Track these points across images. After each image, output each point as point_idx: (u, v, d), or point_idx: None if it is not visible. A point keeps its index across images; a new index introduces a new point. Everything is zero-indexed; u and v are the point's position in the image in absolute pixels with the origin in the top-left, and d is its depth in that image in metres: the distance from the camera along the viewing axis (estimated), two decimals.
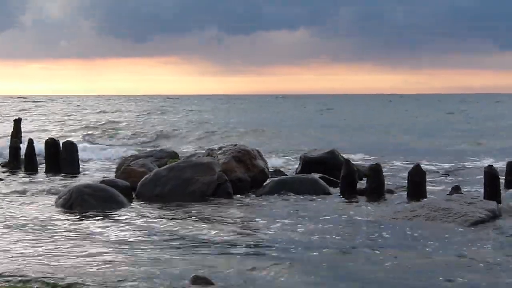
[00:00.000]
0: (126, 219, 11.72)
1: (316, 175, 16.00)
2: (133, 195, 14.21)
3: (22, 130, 23.07)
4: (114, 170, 18.62)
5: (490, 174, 13.23)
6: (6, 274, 7.91)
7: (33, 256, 8.84)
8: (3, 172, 18.88)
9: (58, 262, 8.53)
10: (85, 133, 36.74)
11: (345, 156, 18.07)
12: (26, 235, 10.32)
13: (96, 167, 21.09)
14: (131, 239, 9.99)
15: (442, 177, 18.21)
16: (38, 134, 34.02)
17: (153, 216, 12.02)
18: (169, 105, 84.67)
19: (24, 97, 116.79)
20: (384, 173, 14.79)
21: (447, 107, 76.15)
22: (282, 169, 18.99)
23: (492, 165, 13.78)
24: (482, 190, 13.43)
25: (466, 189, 14.89)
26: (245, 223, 11.43)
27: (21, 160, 19.87)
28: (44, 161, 19.35)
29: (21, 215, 12.08)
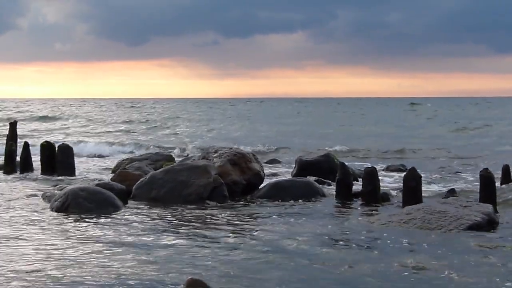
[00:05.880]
0: (121, 222, 11.71)
1: (311, 178, 16.02)
2: (129, 198, 14.20)
3: None
4: (110, 172, 18.63)
5: (486, 177, 13.23)
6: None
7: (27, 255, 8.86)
8: None
9: (52, 263, 8.54)
10: None
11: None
12: (22, 237, 10.32)
13: (92, 170, 21.08)
14: (125, 242, 9.97)
15: None
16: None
17: (148, 219, 12.01)
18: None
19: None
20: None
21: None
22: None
23: (487, 168, 13.75)
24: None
25: None
26: (240, 226, 11.42)
27: (16, 163, 19.83)
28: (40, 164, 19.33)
29: (15, 218, 12.06)
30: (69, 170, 18.88)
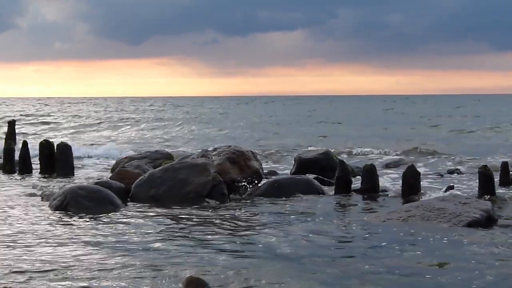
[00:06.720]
0: (120, 220, 11.70)
1: (310, 176, 16.01)
2: (128, 197, 14.19)
3: None
4: (109, 171, 18.62)
5: (485, 174, 13.25)
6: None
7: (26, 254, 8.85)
8: None
9: (51, 262, 8.53)
10: None
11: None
12: (20, 236, 10.31)
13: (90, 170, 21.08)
14: (124, 241, 9.97)
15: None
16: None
17: (148, 218, 12.00)
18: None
19: None
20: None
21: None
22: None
23: (486, 165, 13.78)
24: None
25: None
26: (239, 224, 11.42)
27: (15, 162, 19.81)
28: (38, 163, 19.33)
29: (15, 217, 12.06)
30: (68, 169, 18.87)
